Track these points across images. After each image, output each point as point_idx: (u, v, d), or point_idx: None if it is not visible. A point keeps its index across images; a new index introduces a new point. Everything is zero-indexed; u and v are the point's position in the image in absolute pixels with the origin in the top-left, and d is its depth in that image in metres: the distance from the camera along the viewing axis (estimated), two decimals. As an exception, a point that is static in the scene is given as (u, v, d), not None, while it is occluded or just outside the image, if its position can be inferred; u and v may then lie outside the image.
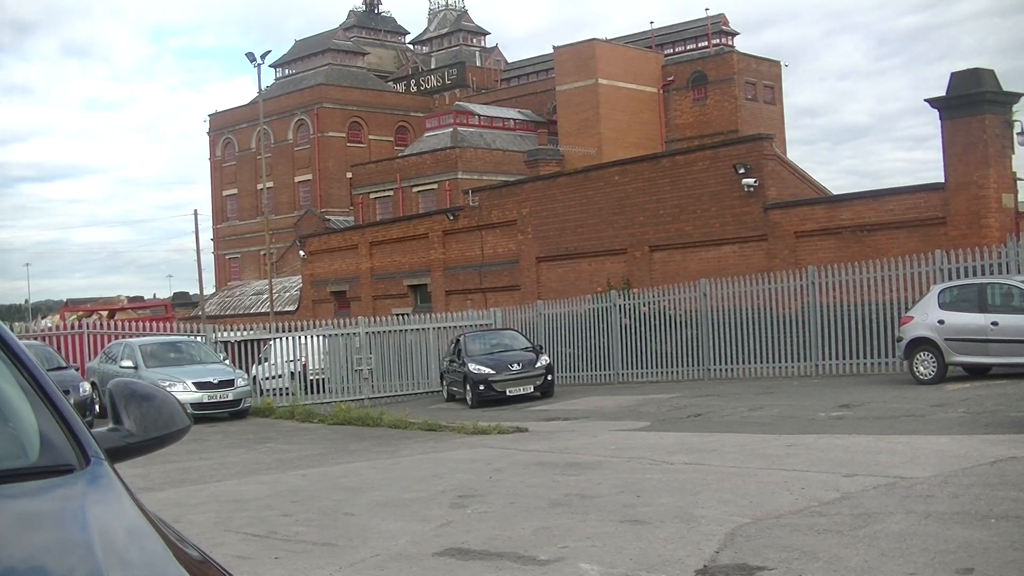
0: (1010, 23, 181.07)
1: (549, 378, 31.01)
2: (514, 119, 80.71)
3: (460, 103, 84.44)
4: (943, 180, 31.14)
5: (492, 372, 30.44)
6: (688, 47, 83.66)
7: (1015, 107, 31.00)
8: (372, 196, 75.64)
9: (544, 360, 31.48)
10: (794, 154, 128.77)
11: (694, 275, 35.32)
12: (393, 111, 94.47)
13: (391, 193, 74.28)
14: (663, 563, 8.63)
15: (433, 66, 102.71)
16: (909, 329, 24.32)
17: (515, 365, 30.77)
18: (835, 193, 39.53)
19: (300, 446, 21.20)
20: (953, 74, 30.57)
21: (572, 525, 10.49)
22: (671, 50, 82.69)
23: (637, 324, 34.52)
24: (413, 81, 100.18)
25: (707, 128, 73.41)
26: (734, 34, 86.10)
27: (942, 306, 23.85)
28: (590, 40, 74.10)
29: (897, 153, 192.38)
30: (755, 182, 36.42)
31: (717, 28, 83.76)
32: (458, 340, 33.23)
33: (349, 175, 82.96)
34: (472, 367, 30.71)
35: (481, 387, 30.30)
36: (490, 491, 13.21)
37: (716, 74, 76.05)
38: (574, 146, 69.94)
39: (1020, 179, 30.97)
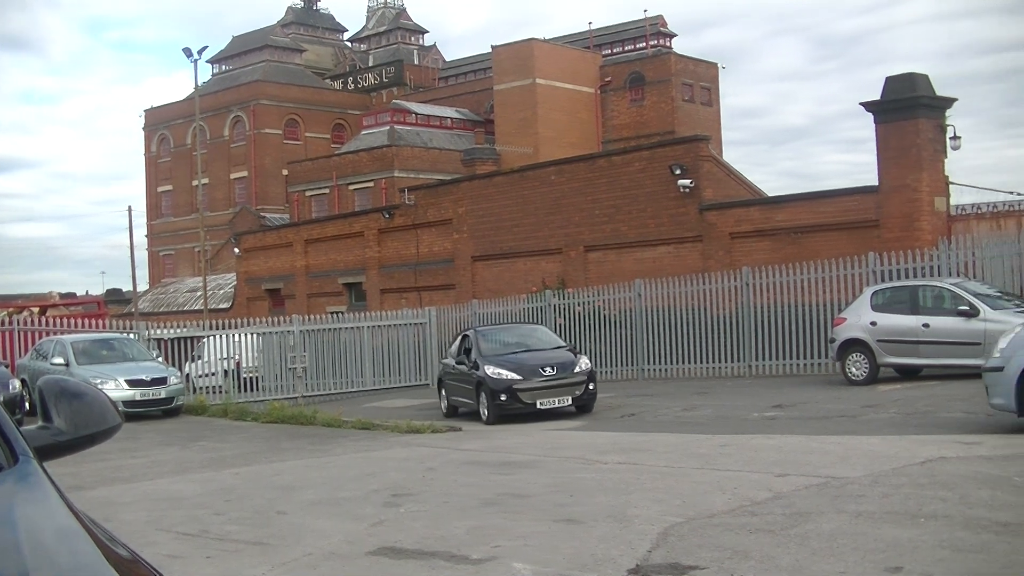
0: (948, 29, 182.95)
1: (591, 387, 23.97)
2: (451, 118, 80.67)
3: (397, 101, 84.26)
4: (877, 183, 31.39)
5: (518, 378, 23.64)
6: (626, 48, 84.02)
7: (948, 112, 31.32)
8: (308, 194, 75.30)
9: (584, 363, 24.52)
10: (732, 155, 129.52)
11: (629, 275, 35.41)
12: (330, 108, 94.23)
13: (327, 191, 73.98)
14: (596, 562, 8.65)
15: (371, 64, 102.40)
16: (842, 330, 24.56)
17: (547, 369, 23.85)
18: (772, 195, 39.78)
19: (233, 444, 21.08)
20: (888, 78, 30.77)
21: (505, 524, 10.49)
22: (609, 51, 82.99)
23: (572, 324, 34.59)
24: (351, 79, 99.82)
25: (644, 129, 73.74)
26: (672, 36, 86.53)
27: (875, 308, 24.12)
28: (528, 40, 74.30)
29: (834, 155, 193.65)
30: (691, 183, 36.54)
31: (655, 29, 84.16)
32: (466, 336, 26.79)
33: (285, 172, 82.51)
34: (490, 371, 23.95)
35: (503, 397, 23.55)
36: (423, 490, 13.20)
37: (653, 75, 76.46)
38: (511, 145, 70.05)
39: (952, 183, 31.27)
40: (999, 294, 23.59)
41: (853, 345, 24.29)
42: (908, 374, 24.24)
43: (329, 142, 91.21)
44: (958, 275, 26.05)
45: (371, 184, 71.12)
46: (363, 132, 79.52)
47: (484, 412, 24.04)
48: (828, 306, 28.20)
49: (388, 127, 75.28)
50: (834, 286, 28.72)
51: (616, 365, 33.43)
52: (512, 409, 23.49)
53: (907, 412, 18.59)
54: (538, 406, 23.29)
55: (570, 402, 23.58)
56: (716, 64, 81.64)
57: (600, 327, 33.89)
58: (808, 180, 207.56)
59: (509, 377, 23.63)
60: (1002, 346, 14.65)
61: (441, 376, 28.11)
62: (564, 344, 26.85)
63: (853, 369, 24.26)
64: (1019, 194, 34.59)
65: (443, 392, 27.39)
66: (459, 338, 27.44)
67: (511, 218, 43.08)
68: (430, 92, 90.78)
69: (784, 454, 14.26)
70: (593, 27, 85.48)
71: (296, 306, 50.48)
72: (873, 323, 23.86)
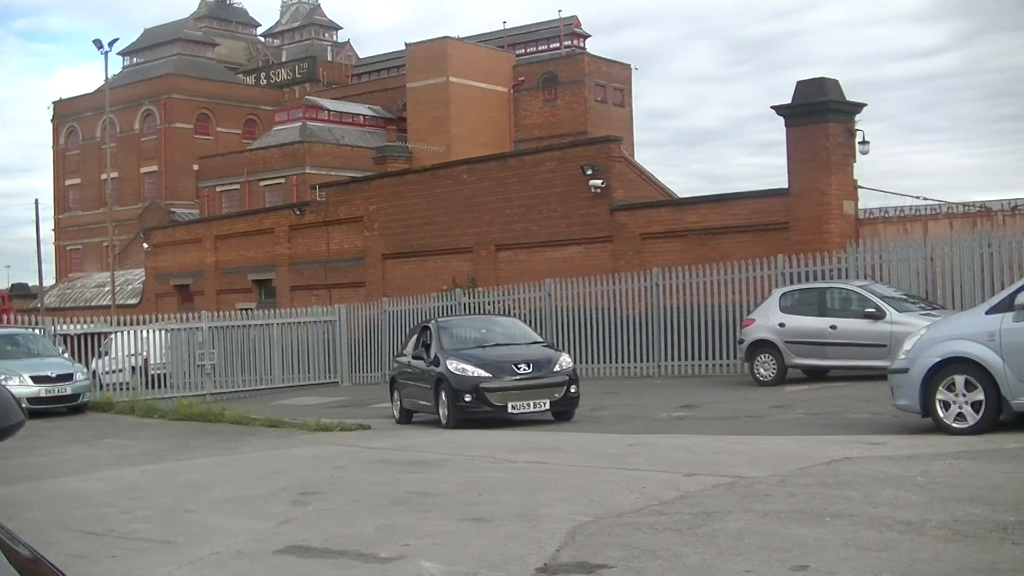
0: (860, 35, 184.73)
1: (573, 390, 20.50)
2: (364, 115, 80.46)
3: (310, 97, 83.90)
4: (787, 186, 31.65)
5: (486, 375, 20.12)
6: (540, 48, 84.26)
7: (858, 117, 31.62)
8: (218, 189, 74.80)
9: (565, 361, 21.04)
10: (644, 157, 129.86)
11: (540, 275, 35.45)
12: (242, 104, 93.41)
13: (238, 187, 73.53)
14: (504, 561, 8.64)
15: (284, 59, 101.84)
16: (751, 331, 24.80)
17: (522, 366, 20.27)
18: (683, 196, 40.04)
19: (140, 442, 20.85)
20: (799, 83, 31.03)
21: (414, 523, 10.45)
22: (523, 50, 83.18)
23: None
24: (263, 74, 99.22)
25: (556, 129, 73.90)
26: (586, 36, 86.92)
27: (783, 309, 24.38)
28: (442, 38, 74.34)
29: (746, 158, 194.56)
30: (602, 183, 36.61)
31: (569, 30, 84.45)
32: (425, 329, 22.78)
33: (196, 167, 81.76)
34: (452, 366, 20.36)
35: (467, 398, 19.94)
36: (332, 488, 13.13)
37: (567, 75, 76.77)
38: (423, 144, 69.91)
39: (861, 187, 31.61)
40: (905, 297, 23.98)
41: (761, 346, 24.53)
42: (815, 375, 24.53)
43: (240, 137, 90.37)
44: (865, 278, 26.37)
45: (282, 180, 70.80)
46: (275, 128, 79.14)
47: (444, 415, 20.53)
48: (737, 307, 28.45)
49: (300, 123, 75.00)
50: (743, 287, 28.95)
51: (527, 364, 33.39)
52: (478, 413, 20.02)
53: (814, 412, 18.82)
54: (509, 410, 19.87)
55: (547, 407, 20.20)
56: (629, 65, 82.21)
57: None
58: (719, 182, 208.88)
59: (475, 374, 20.15)
60: (907, 348, 14.83)
61: (394, 376, 24.13)
62: (541, 339, 23.50)
63: (761, 370, 24.50)
64: (925, 199, 34.97)
65: (395, 394, 23.60)
66: (417, 331, 23.70)
67: (422, 216, 42.96)
68: (343, 89, 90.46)
69: (692, 454, 14.33)
70: (507, 27, 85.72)
71: (205, 302, 49.96)
72: (781, 324, 24.11)
